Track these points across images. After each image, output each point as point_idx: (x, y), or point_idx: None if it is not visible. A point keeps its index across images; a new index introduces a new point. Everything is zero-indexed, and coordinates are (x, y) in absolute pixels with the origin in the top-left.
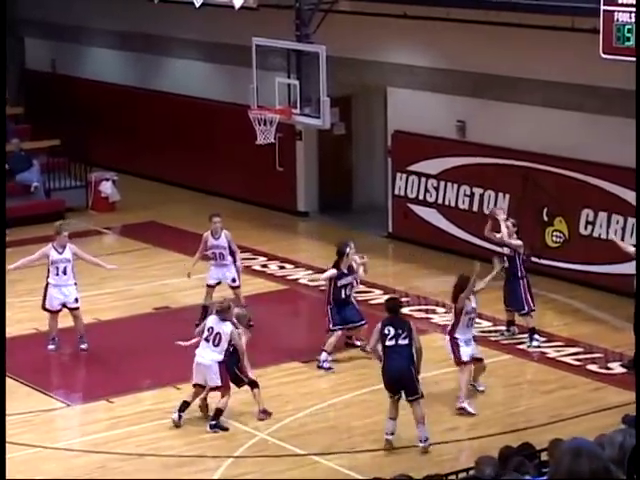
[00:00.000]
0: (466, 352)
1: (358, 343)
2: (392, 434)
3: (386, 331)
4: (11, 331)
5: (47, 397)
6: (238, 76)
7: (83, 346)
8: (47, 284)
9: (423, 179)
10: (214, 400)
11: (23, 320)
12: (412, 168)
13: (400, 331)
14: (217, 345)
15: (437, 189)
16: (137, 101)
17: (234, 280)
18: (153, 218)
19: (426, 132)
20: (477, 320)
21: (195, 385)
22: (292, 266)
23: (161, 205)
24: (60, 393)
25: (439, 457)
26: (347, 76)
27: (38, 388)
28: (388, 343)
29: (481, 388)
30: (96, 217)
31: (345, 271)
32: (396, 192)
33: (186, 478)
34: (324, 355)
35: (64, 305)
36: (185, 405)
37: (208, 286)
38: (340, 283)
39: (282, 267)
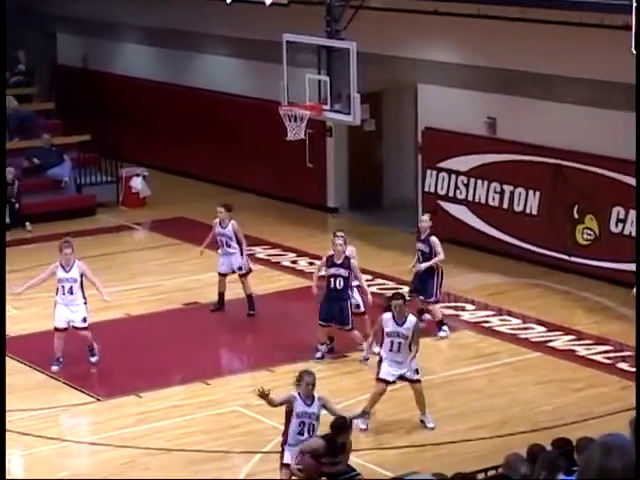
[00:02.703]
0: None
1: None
2: None
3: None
4: (41, 326)
5: (76, 391)
6: (268, 72)
7: (93, 359)
8: (55, 302)
9: (453, 176)
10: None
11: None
12: (442, 165)
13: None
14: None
15: (467, 186)
16: (168, 97)
17: (240, 268)
18: (183, 214)
19: (456, 129)
20: (506, 318)
21: None
22: None
23: (191, 201)
24: (89, 387)
25: (467, 455)
26: (378, 72)
27: (67, 382)
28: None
29: (430, 425)
30: (127, 213)
31: (337, 262)
32: (426, 189)
33: (213, 476)
34: (318, 346)
35: (70, 324)
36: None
37: (220, 274)
38: (328, 272)
39: (312, 263)
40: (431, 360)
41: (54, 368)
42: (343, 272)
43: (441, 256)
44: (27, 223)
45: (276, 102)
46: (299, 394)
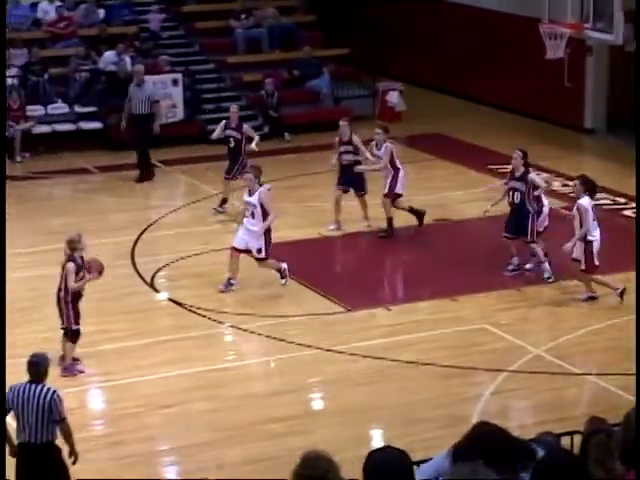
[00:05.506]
0: None
1: None
2: None
3: None
4: (295, 235)
5: (328, 301)
6: None
7: (282, 281)
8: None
9: None
10: None
11: (306, 225)
12: None
13: None
14: None
15: None
16: (426, 13)
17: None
18: (438, 130)
19: None
20: None
21: None
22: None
23: (446, 117)
24: (341, 298)
25: None
26: None
27: (320, 292)
28: None
29: None
30: None
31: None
32: None
33: (459, 391)
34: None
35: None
36: None
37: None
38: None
39: (565, 185)
40: None
41: (220, 287)
42: (519, 185)
43: None
44: (286, 133)
45: (537, 19)
46: None
